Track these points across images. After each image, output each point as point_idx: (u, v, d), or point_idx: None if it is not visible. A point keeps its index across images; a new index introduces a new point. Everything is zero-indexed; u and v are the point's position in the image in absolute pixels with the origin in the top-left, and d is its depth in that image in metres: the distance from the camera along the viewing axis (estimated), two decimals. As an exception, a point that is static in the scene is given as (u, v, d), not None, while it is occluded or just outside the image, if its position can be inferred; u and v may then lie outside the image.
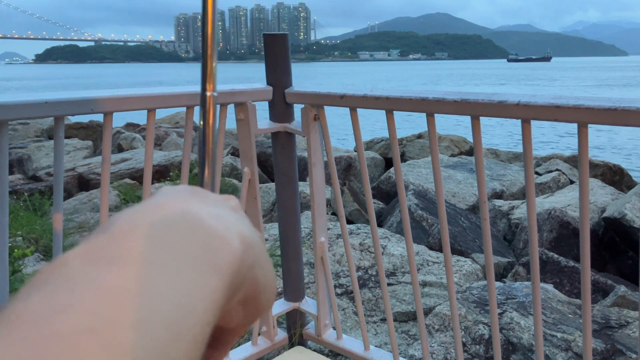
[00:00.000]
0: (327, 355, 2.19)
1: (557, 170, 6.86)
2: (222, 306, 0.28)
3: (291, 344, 2.08)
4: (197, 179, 0.49)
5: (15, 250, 2.83)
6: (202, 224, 0.28)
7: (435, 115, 1.47)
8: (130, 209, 0.28)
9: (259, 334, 2.04)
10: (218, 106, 1.75)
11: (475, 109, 1.37)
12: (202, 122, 0.49)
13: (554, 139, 16.99)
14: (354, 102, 1.63)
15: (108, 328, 0.21)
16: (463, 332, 2.53)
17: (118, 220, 0.27)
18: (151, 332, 0.22)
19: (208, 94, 0.48)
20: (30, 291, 0.22)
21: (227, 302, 0.28)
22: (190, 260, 0.26)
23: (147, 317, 0.22)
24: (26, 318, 0.21)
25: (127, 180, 6.36)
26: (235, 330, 0.32)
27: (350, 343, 2.00)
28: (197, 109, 1.66)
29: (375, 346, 1.97)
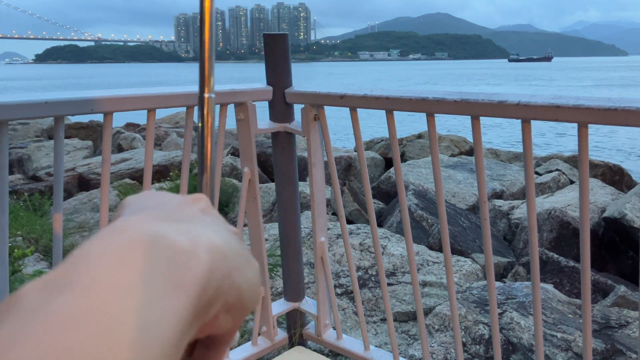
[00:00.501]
0: (327, 355, 2.19)
1: (557, 170, 6.86)
2: (198, 320, 0.27)
3: (291, 344, 2.08)
4: (197, 179, 0.49)
5: (15, 250, 2.83)
6: (165, 243, 0.27)
7: (435, 115, 1.47)
8: (90, 237, 0.28)
9: (259, 334, 2.04)
10: (217, 107, 1.75)
11: (475, 109, 1.37)
12: (200, 124, 0.49)
13: (554, 138, 16.98)
14: (354, 102, 1.63)
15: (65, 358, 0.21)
16: (463, 332, 2.53)
17: (75, 251, 0.27)
18: (112, 356, 0.22)
19: (206, 95, 0.48)
20: None
21: (204, 314, 0.28)
22: (147, 281, 0.25)
23: (104, 341, 0.22)
24: None
25: (127, 180, 6.37)
26: (227, 333, 0.32)
27: (350, 343, 2.00)
28: (197, 109, 1.66)
29: (375, 346, 1.97)
